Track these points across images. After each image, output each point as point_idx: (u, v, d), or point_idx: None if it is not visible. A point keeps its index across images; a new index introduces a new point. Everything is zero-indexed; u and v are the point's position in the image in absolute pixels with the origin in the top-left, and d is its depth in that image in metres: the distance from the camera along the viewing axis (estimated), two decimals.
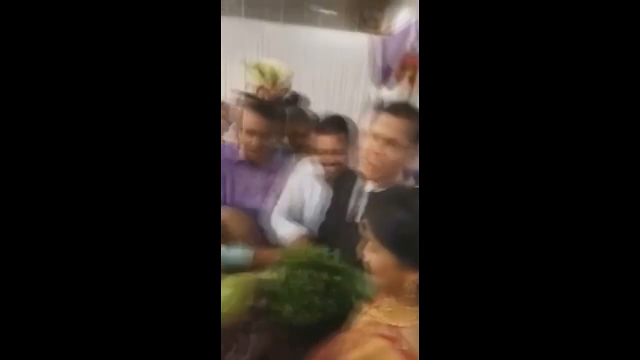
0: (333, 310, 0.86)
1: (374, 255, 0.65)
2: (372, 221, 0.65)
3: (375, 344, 0.62)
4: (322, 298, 0.87)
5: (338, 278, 0.89)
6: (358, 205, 1.13)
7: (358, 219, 1.08)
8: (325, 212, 1.32)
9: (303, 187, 1.42)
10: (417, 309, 0.62)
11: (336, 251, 0.96)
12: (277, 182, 1.48)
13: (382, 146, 0.97)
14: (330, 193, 1.39)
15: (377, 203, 0.69)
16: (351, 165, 1.35)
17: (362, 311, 0.75)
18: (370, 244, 0.66)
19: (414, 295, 0.63)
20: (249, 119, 1.40)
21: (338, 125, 1.37)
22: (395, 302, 0.66)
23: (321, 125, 1.45)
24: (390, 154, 0.97)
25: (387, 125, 0.95)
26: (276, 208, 1.43)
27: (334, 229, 1.22)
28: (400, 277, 0.63)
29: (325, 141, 1.33)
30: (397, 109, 0.94)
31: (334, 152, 1.32)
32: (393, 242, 0.62)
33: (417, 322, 0.61)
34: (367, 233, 0.66)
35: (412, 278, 0.62)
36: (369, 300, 0.76)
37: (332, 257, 0.94)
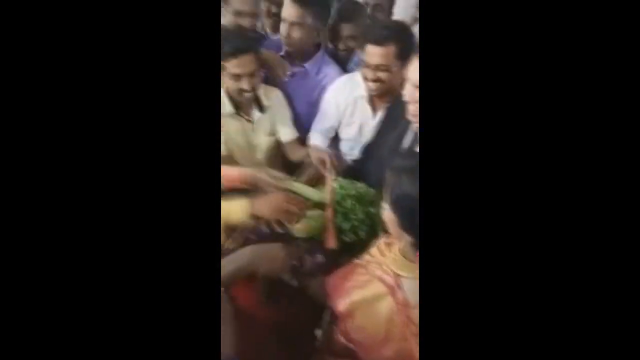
0: (362, 238, 0.96)
1: (385, 207, 0.71)
2: (389, 180, 0.69)
3: (375, 289, 0.70)
4: (360, 226, 0.96)
5: (374, 210, 0.95)
6: (402, 138, 1.05)
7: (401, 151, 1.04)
8: (370, 136, 1.22)
9: (343, 103, 1.30)
10: (415, 265, 0.68)
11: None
12: (317, 91, 1.37)
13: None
14: (374, 116, 1.25)
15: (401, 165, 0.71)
16: (398, 87, 1.15)
17: (376, 242, 0.82)
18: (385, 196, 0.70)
19: (412, 255, 0.69)
20: (289, 8, 1.28)
21: (391, 35, 1.09)
22: (399, 252, 0.72)
23: (370, 31, 1.16)
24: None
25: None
26: (314, 125, 1.36)
27: (374, 154, 1.17)
28: (400, 235, 0.69)
29: (372, 53, 1.10)
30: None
31: (377, 67, 1.11)
32: (397, 204, 0.67)
33: (414, 276, 0.67)
34: (386, 187, 0.70)
35: (408, 239, 0.68)
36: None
37: (375, 193, 0.99)
